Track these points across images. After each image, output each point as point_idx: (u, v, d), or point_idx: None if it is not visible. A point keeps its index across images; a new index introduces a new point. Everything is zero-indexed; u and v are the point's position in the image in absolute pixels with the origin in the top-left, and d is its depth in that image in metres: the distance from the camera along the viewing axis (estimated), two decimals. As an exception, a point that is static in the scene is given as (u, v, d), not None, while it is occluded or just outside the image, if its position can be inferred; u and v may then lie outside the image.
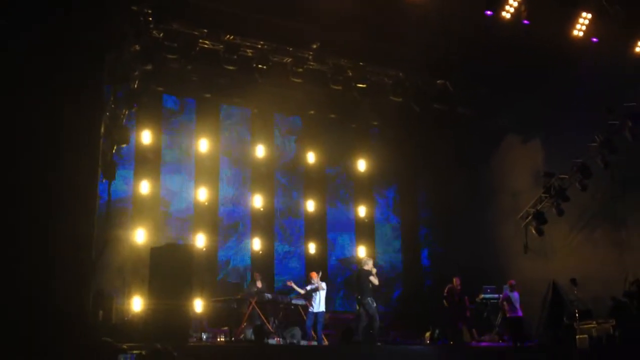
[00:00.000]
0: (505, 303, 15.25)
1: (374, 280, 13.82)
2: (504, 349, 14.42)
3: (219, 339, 14.07)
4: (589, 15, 14.44)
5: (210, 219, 17.74)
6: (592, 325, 14.13)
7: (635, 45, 14.94)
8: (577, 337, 14.22)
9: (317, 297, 14.22)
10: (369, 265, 13.96)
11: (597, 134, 15.50)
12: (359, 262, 13.99)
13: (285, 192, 19.24)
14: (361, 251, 19.53)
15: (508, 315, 15.16)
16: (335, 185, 20.13)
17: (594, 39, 14.64)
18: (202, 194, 17.68)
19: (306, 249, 18.91)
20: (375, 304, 13.77)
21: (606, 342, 13.59)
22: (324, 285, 14.43)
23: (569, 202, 16.05)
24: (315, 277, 14.55)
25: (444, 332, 15.45)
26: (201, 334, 14.01)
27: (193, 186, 17.78)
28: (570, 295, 15.54)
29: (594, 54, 15.12)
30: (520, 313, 15.16)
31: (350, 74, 17.40)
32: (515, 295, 15.22)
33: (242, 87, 17.84)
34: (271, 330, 14.25)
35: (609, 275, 15.27)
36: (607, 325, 13.83)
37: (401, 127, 20.40)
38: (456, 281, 15.74)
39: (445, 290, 15.62)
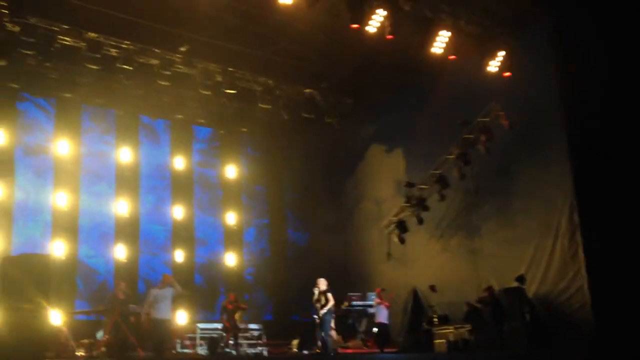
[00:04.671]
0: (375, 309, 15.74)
1: None
2: (369, 356, 14.80)
3: (78, 354, 13.37)
4: (448, 34, 15.16)
5: (71, 225, 16.84)
6: (450, 330, 14.89)
7: (488, 63, 15.88)
8: (435, 341, 14.90)
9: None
10: None
11: (453, 146, 16.29)
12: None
13: (152, 198, 18.62)
14: (230, 258, 19.38)
15: (376, 321, 15.62)
16: (204, 191, 19.80)
17: (452, 57, 15.36)
18: (62, 199, 16.76)
19: (172, 257, 18.43)
20: None
21: (462, 347, 14.35)
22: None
23: (428, 211, 16.76)
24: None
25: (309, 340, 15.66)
26: (59, 349, 13.26)
27: (51, 190, 16.80)
28: (430, 301, 16.26)
29: (452, 70, 15.96)
30: (386, 319, 15.65)
31: (220, 79, 17.30)
32: (383, 303, 15.73)
33: (106, 87, 17.21)
34: (134, 342, 13.73)
35: (464, 281, 16.17)
36: (463, 330, 14.63)
37: (270, 134, 20.54)
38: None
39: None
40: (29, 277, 11.44)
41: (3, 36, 14.46)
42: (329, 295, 14.75)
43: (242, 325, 15.47)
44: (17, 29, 14.49)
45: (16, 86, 16.66)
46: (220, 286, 18.87)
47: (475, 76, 15.91)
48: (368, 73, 17.46)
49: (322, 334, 14.05)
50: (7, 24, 14.33)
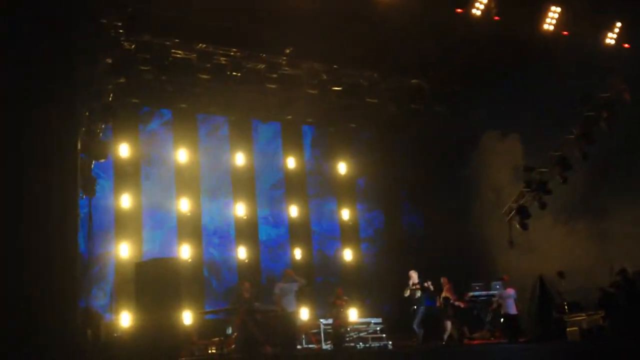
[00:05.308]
0: (499, 300, 15.29)
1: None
2: (497, 346, 14.41)
3: (209, 351, 13.93)
4: (558, 9, 14.52)
5: (194, 229, 17.60)
6: (582, 317, 14.20)
7: (605, 36, 15.06)
8: (568, 329, 14.28)
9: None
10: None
11: (574, 125, 15.56)
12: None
13: (268, 199, 19.11)
14: (347, 253, 19.51)
15: (503, 312, 15.19)
16: (317, 189, 20.04)
17: (565, 32, 14.70)
18: (184, 205, 17.53)
19: (292, 255, 18.80)
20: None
21: (597, 334, 13.66)
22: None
23: (551, 195, 16.09)
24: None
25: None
26: (192, 348, 13.87)
27: (174, 197, 17.61)
28: (558, 288, 15.61)
29: (566, 47, 15.23)
30: (514, 310, 15.18)
31: (325, 77, 17.42)
32: (508, 292, 15.25)
33: (218, 95, 17.77)
34: (262, 339, 14.11)
35: (594, 266, 15.35)
36: (596, 316, 13.90)
37: (379, 127, 20.45)
38: (444, 281, 15.75)
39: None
40: (160, 281, 12.03)
41: (121, 54, 15.22)
42: (425, 285, 14.66)
43: (351, 320, 15.63)
44: (132, 46, 15.25)
45: (136, 101, 17.55)
46: (338, 281, 19.01)
47: (592, 51, 15.12)
48: (476, 58, 16.92)
49: (414, 325, 14.42)
50: (124, 43, 15.06)
